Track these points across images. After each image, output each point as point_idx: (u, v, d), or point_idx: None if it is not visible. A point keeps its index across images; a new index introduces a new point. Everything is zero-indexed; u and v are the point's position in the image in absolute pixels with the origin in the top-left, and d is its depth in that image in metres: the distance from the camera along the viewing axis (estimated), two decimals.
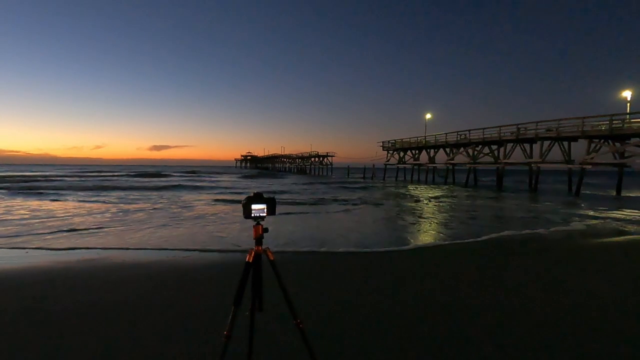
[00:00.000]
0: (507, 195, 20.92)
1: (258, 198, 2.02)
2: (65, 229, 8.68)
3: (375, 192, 23.34)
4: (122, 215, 11.39)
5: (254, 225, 2.02)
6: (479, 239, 7.88)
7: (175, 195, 19.90)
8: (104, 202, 15.72)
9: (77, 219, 10.37)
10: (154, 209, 13.17)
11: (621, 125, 20.96)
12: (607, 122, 21.28)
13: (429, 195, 21.36)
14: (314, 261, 5.82)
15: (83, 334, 3.00)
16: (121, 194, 20.23)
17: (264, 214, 2.03)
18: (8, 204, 14.44)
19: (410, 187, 29.29)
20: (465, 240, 7.70)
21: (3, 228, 8.78)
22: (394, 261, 5.86)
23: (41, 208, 13.09)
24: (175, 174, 51.51)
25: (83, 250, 6.46)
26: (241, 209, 2.01)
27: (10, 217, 10.66)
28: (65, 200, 16.34)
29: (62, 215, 11.28)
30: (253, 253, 2.02)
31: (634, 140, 21.20)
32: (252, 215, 2.00)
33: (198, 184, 31.44)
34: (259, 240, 2.03)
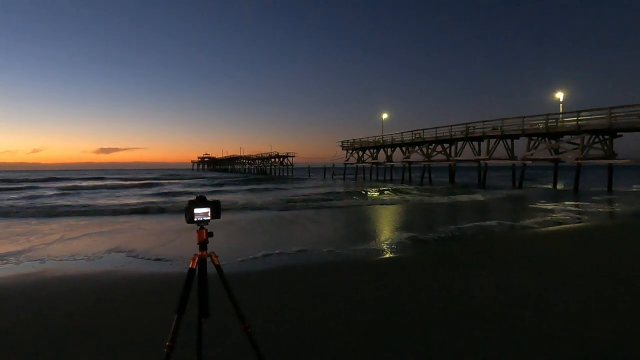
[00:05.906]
0: (468, 191, 21.19)
1: (201, 201, 1.98)
2: None
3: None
4: None
5: (197, 230, 1.96)
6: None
7: None
8: None
9: None
10: None
11: (555, 124, 22.95)
12: (544, 121, 23.19)
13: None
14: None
15: (16, 351, 2.73)
16: None
17: (208, 218, 1.98)
18: None
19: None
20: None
21: None
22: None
23: None
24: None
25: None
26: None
27: None
28: None
29: None
30: (197, 258, 1.96)
31: (566, 137, 23.31)
32: (195, 219, 1.95)
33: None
34: (203, 244, 1.98)
